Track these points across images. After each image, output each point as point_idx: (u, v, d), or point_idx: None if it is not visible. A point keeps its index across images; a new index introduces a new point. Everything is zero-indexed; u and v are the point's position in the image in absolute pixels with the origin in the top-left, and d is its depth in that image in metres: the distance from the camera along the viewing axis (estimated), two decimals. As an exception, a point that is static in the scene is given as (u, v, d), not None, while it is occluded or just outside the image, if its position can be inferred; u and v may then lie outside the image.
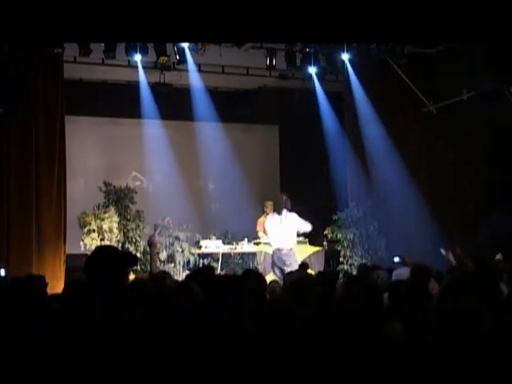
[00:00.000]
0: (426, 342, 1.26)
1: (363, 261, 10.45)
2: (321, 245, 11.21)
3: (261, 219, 10.98)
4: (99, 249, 3.40)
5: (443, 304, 1.22)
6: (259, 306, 3.16)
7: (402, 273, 6.87)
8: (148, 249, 10.76)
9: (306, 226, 9.16)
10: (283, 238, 8.95)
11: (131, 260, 3.13)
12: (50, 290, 5.95)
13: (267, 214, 10.97)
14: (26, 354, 2.52)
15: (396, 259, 7.24)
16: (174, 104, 12.25)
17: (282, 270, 8.61)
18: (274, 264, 9.01)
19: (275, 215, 9.11)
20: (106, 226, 10.05)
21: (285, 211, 8.96)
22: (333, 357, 2.08)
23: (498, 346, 1.17)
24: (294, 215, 9.02)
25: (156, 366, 2.51)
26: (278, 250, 8.93)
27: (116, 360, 2.38)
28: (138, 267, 10.33)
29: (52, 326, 2.75)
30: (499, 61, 9.47)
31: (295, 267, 8.35)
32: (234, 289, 2.95)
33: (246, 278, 3.83)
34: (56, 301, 4.28)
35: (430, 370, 1.22)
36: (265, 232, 10.36)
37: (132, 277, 9.45)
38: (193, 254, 10.85)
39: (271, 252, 9.53)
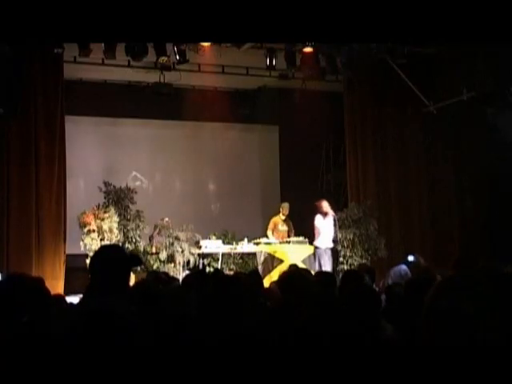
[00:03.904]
0: (418, 343, 1.26)
1: (363, 261, 10.46)
2: (321, 245, 11.20)
3: (275, 218, 11.04)
4: (104, 248, 3.39)
5: (436, 305, 1.22)
6: (257, 308, 3.17)
7: (400, 269, 6.87)
8: (148, 249, 10.77)
9: None
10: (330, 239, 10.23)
11: (136, 260, 3.12)
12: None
13: (283, 214, 11.00)
14: (26, 353, 2.53)
15: (410, 258, 7.11)
16: (174, 104, 12.26)
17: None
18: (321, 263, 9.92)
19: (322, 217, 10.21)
20: (105, 226, 10.04)
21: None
22: (327, 357, 2.08)
23: (497, 350, 1.16)
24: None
25: (159, 366, 2.51)
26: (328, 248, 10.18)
27: (119, 360, 2.38)
28: (138, 267, 10.32)
29: (54, 325, 2.74)
30: (499, 61, 9.47)
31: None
32: (231, 290, 2.95)
33: (244, 279, 3.83)
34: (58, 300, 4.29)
35: (422, 373, 1.22)
36: (278, 232, 10.92)
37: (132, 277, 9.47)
38: (193, 254, 10.85)
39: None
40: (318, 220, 10.19)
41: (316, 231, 10.24)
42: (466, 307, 1.13)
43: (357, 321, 2.37)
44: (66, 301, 4.55)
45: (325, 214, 10.17)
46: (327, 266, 9.89)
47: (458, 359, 1.14)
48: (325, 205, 10.23)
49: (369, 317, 3.04)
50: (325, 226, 10.18)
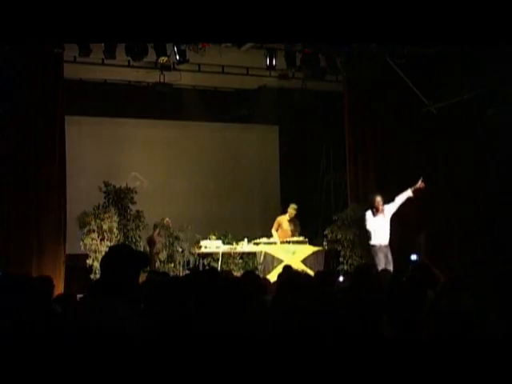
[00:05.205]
0: (421, 341, 1.26)
1: (363, 261, 10.44)
2: (321, 245, 11.21)
3: (280, 218, 11.08)
4: (115, 248, 3.38)
5: (440, 304, 1.22)
6: (258, 308, 3.16)
7: None
8: (147, 248, 10.76)
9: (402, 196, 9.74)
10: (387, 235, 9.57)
11: (146, 260, 3.12)
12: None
13: (290, 215, 11.01)
14: (28, 354, 2.53)
15: (413, 257, 6.99)
16: (174, 104, 12.26)
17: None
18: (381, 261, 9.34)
19: (372, 213, 9.61)
20: (105, 226, 10.04)
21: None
22: (326, 356, 2.09)
23: (497, 348, 1.16)
24: (388, 206, 9.69)
25: (159, 366, 2.52)
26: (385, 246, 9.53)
27: (126, 360, 2.39)
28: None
29: (59, 326, 2.74)
30: (499, 61, 9.46)
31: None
32: (234, 291, 2.95)
33: (246, 279, 3.83)
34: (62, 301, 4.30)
35: (423, 370, 1.22)
36: (283, 231, 10.86)
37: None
38: (193, 254, 10.85)
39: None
40: (367, 217, 9.65)
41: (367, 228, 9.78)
42: (467, 307, 1.13)
43: (357, 319, 2.37)
44: (76, 299, 4.57)
45: (376, 210, 9.58)
46: (381, 265, 9.13)
47: (458, 357, 1.14)
48: (376, 200, 9.63)
49: (370, 315, 3.04)
50: (375, 222, 9.57)
